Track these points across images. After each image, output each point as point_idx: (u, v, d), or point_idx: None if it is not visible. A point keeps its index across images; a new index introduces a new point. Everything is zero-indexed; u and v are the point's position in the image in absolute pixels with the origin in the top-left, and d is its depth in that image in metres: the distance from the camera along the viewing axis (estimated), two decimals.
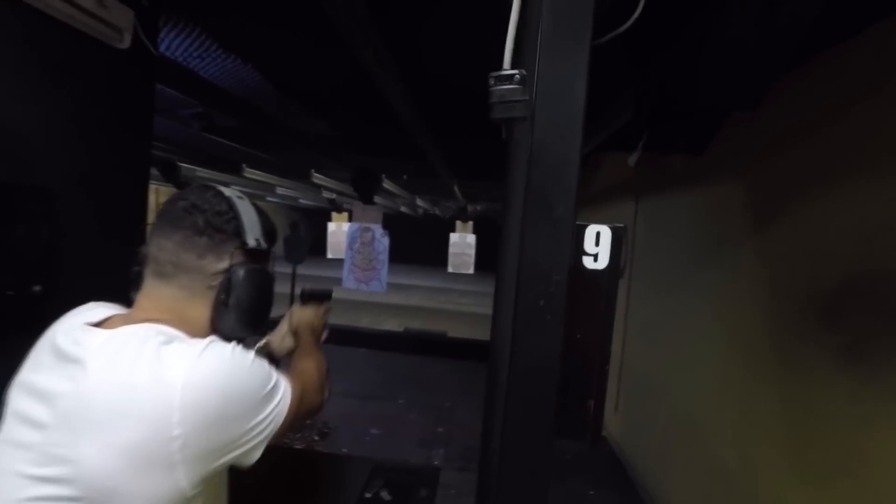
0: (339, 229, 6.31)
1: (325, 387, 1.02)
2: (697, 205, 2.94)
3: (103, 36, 1.25)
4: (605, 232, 0.68)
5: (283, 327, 1.23)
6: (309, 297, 1.31)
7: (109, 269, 1.34)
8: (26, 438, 0.67)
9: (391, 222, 6.04)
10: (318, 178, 6.17)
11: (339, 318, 8.16)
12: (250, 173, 5.92)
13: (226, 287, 0.82)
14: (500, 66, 0.65)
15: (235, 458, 0.73)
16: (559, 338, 0.64)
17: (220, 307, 0.83)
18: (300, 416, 0.87)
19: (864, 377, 1.60)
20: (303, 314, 1.22)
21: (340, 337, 6.74)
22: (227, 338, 0.81)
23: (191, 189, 0.86)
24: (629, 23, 0.89)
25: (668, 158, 3.00)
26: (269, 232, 0.91)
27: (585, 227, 0.68)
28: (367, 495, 1.38)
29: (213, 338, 0.76)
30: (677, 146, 1.79)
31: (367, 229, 6.03)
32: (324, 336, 1.29)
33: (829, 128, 1.83)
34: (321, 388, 0.99)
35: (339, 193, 7.50)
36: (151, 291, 0.82)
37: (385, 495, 1.37)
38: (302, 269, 7.26)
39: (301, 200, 11.42)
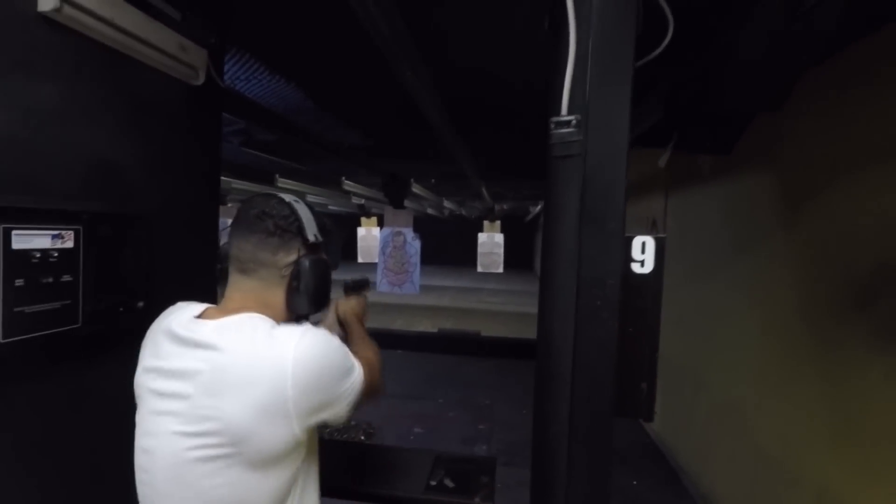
0: (368, 234, 6.41)
1: (382, 373, 1.20)
2: (727, 198, 2.99)
3: (182, 75, 1.41)
4: (650, 241, 0.80)
5: (330, 317, 1.42)
6: (351, 289, 1.50)
7: (190, 284, 1.50)
8: (174, 407, 0.87)
9: (419, 225, 6.12)
10: (348, 184, 6.32)
11: (374, 322, 8.27)
12: (283, 183, 6.10)
13: (296, 275, 1.01)
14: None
15: (328, 416, 0.94)
16: (614, 332, 0.77)
17: (293, 292, 1.01)
18: (369, 392, 1.05)
19: None
20: (348, 305, 1.41)
21: (377, 339, 6.88)
22: (300, 316, 1.03)
23: (256, 198, 1.04)
24: (660, 48, 0.99)
25: (696, 157, 3.06)
26: (322, 226, 1.09)
27: (633, 238, 0.80)
28: (433, 483, 1.50)
29: (308, 325, 0.96)
30: (705, 147, 1.87)
31: (399, 233, 6.12)
32: (367, 319, 1.47)
33: (854, 118, 1.89)
34: (380, 372, 1.18)
35: (368, 198, 7.64)
36: (238, 285, 1.01)
37: (449, 482, 1.49)
38: (335, 275, 7.43)
39: (330, 207, 11.64)
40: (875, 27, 1.75)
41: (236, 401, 0.84)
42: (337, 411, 0.95)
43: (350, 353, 0.99)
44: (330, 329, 1.34)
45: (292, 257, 1.01)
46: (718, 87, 1.53)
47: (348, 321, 1.38)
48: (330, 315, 1.43)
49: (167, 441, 0.87)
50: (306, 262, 1.01)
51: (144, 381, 0.94)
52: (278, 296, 1.01)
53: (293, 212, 1.02)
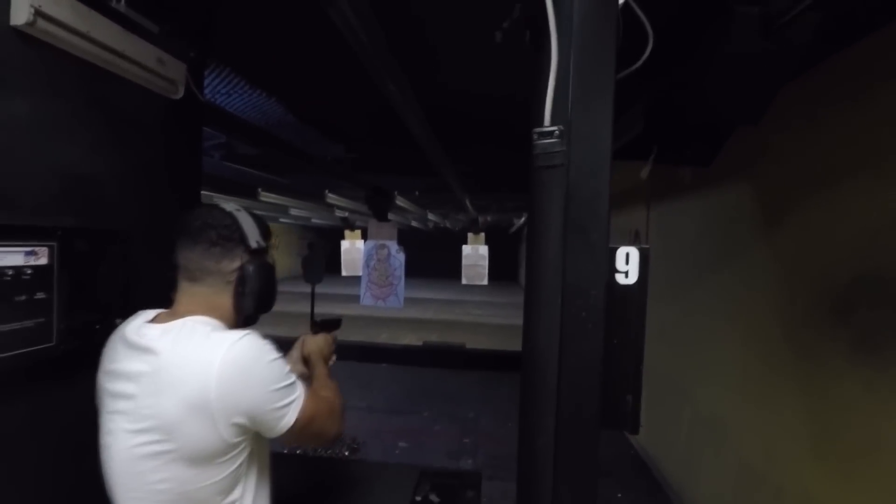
0: (352, 247, 6.36)
1: (341, 420, 1.18)
2: (708, 210, 3.03)
3: (161, 89, 1.39)
4: (634, 252, 0.80)
5: (294, 353, 1.41)
6: (320, 327, 1.45)
7: (169, 300, 1.47)
8: (123, 407, 0.94)
9: (403, 237, 6.10)
10: (331, 197, 6.30)
11: (359, 335, 8.24)
12: (265, 196, 6.06)
13: (241, 281, 1.07)
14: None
15: (256, 425, 0.96)
16: (600, 343, 0.77)
17: (238, 296, 1.08)
18: (311, 432, 1.06)
19: (877, 367, 1.67)
20: (314, 343, 1.40)
21: (362, 353, 6.86)
22: (248, 317, 1.10)
23: (200, 210, 1.10)
24: (641, 61, 1.00)
25: (677, 169, 3.10)
26: (264, 233, 1.15)
27: (616, 249, 0.80)
28: (418, 498, 1.48)
29: (250, 331, 0.99)
30: (685, 159, 1.90)
31: (383, 246, 6.08)
32: (332, 360, 1.43)
33: (830, 132, 1.92)
34: (336, 419, 1.15)
35: (352, 212, 7.62)
36: (187, 291, 1.06)
37: (434, 498, 1.48)
38: (319, 288, 7.36)
39: (314, 220, 11.58)
40: (848, 43, 1.79)
41: (170, 399, 0.90)
42: (266, 424, 0.97)
43: (294, 375, 1.02)
44: (293, 365, 1.33)
45: (236, 264, 1.08)
46: (696, 101, 1.56)
47: (312, 360, 1.36)
48: (294, 351, 1.41)
49: (119, 438, 0.94)
50: (250, 269, 1.08)
51: (103, 382, 1.02)
52: (226, 300, 1.07)
53: (234, 221, 1.09)
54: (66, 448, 1.16)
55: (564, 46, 0.78)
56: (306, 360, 1.38)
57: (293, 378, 1.01)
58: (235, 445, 0.95)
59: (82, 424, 1.17)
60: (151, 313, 1.06)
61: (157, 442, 0.90)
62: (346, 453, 4.19)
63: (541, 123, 0.77)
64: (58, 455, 1.15)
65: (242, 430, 0.95)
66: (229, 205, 1.12)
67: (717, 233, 2.90)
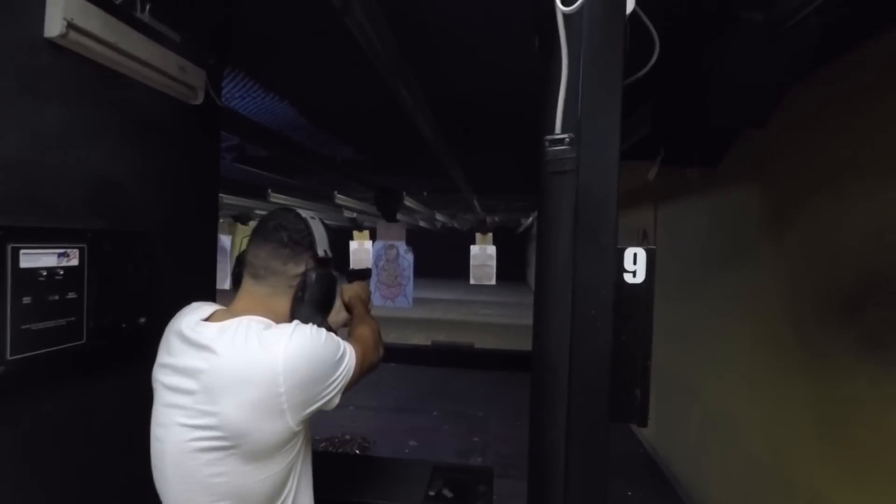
0: (360, 247, 6.41)
1: (380, 345, 1.27)
2: (715, 210, 3.05)
3: (181, 95, 1.44)
4: (641, 253, 0.84)
5: (336, 304, 1.46)
6: (354, 276, 1.59)
7: (190, 299, 1.52)
8: (180, 401, 0.95)
9: (411, 238, 6.13)
10: (340, 198, 6.34)
11: None
12: (275, 198, 6.11)
13: (302, 286, 1.08)
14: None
15: (322, 405, 0.99)
16: (609, 340, 0.80)
17: (297, 301, 1.09)
18: (364, 371, 1.12)
19: (883, 363, 1.69)
20: (352, 290, 1.50)
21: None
22: (303, 322, 1.05)
23: (276, 212, 1.13)
24: (647, 68, 1.03)
25: (685, 170, 3.12)
26: (333, 244, 1.17)
27: (624, 249, 0.84)
28: (431, 493, 1.52)
29: (297, 322, 1.00)
30: (692, 161, 1.93)
31: (392, 246, 6.13)
32: (370, 304, 1.54)
33: (835, 133, 1.94)
34: (377, 347, 1.25)
35: (361, 212, 7.66)
36: (249, 288, 1.09)
37: (447, 492, 1.51)
38: None
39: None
40: (852, 46, 1.81)
41: (232, 400, 0.90)
42: (329, 399, 1.00)
43: (340, 340, 1.05)
44: (336, 315, 1.44)
45: (301, 269, 1.09)
46: (703, 104, 1.58)
47: (353, 304, 1.46)
48: (336, 301, 1.49)
49: (174, 431, 0.95)
50: (313, 275, 1.09)
51: (158, 375, 1.02)
52: (284, 303, 1.08)
53: (307, 227, 1.11)
54: (95, 442, 1.21)
55: (574, 57, 0.81)
56: (347, 306, 1.47)
57: (341, 342, 1.04)
58: (297, 434, 0.98)
59: (110, 418, 1.22)
60: (207, 309, 1.06)
61: (216, 438, 0.91)
62: (357, 452, 4.24)
63: (552, 131, 0.81)
64: (89, 448, 1.19)
65: (309, 414, 0.98)
66: (305, 212, 1.15)
67: (726, 232, 2.91)
